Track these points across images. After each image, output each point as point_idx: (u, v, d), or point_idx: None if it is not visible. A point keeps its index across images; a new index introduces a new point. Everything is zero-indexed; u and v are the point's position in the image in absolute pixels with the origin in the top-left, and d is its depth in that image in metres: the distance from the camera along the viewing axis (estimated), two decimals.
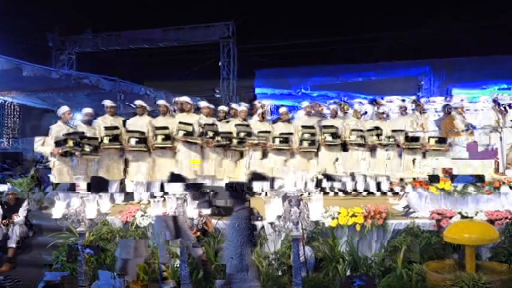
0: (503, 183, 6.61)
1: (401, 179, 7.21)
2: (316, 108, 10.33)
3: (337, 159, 9.36)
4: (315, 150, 9.38)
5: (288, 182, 4.93)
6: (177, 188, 5.35)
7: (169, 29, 20.37)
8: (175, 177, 5.58)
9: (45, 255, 7.16)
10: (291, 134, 9.36)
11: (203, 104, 9.65)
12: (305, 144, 9.27)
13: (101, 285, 5.06)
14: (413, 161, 8.73)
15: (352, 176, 9.36)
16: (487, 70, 18.30)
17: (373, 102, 13.08)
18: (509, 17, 17.95)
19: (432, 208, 6.49)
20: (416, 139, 9.23)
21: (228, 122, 9.48)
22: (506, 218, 6.11)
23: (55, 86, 13.80)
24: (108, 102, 9.25)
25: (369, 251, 6.24)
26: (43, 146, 8.52)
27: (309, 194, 5.16)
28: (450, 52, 19.20)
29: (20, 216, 7.78)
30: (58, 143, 8.17)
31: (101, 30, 21.12)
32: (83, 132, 8.46)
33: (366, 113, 11.20)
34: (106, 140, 8.65)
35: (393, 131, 9.35)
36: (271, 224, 5.04)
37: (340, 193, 9.29)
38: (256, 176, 5.99)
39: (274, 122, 10.21)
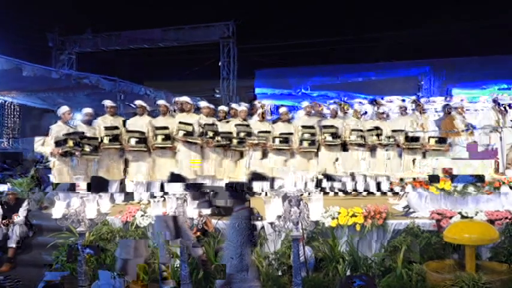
0: (503, 183, 6.61)
1: (401, 179, 7.21)
2: (316, 108, 10.33)
3: (337, 159, 9.36)
4: (315, 150, 9.38)
5: (288, 182, 4.93)
6: (177, 188, 5.35)
7: (169, 29, 20.37)
8: (175, 177, 5.58)
9: (45, 255, 7.16)
10: (291, 134, 9.36)
11: (203, 104, 9.65)
12: (305, 144, 9.27)
13: (101, 285, 5.06)
14: (413, 161, 8.73)
15: (352, 176, 9.36)
16: (487, 70, 18.30)
17: (373, 102, 13.09)
18: (509, 17, 17.96)
19: (432, 208, 6.49)
20: (416, 139, 9.23)
21: (228, 122, 9.48)
22: (506, 218, 6.11)
23: (55, 86, 13.80)
24: (108, 102, 9.25)
25: (369, 251, 6.24)
26: (43, 146, 8.52)
27: (309, 194, 5.16)
28: (450, 52, 19.21)
29: (20, 216, 7.78)
30: (58, 143, 8.17)
31: (101, 30, 21.13)
32: (83, 132, 8.46)
33: (366, 113, 11.20)
34: (106, 140, 8.65)
35: (393, 131, 9.35)
36: (271, 224, 5.04)
37: (340, 193, 9.29)
38: (256, 176, 5.98)
39: (274, 122, 10.21)
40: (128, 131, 8.82)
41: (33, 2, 19.74)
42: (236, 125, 9.30)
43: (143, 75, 19.68)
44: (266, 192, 7.77)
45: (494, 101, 10.10)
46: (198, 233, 6.08)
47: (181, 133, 8.81)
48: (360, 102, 13.17)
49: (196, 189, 5.38)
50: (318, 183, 8.42)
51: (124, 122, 9.14)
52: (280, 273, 6.11)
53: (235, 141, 9.13)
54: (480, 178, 6.32)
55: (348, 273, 5.86)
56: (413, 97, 13.18)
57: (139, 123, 9.01)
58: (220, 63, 19.96)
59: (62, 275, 5.83)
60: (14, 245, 7.56)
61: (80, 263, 5.52)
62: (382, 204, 6.53)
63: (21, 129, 19.64)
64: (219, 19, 19.92)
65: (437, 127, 9.65)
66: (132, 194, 8.48)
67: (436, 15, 19.81)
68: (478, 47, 18.67)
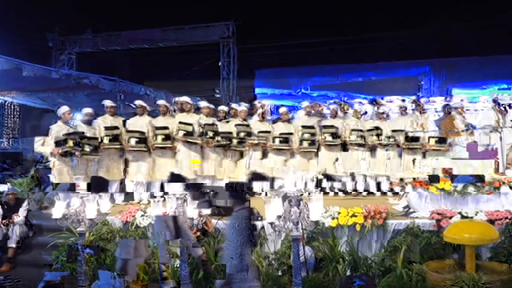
0: (503, 183, 6.61)
1: (401, 179, 7.21)
2: (316, 108, 10.33)
3: (337, 159, 9.36)
4: (315, 150, 9.38)
5: (288, 182, 4.93)
6: (177, 188, 5.35)
7: (169, 29, 20.37)
8: (175, 177, 5.58)
9: (45, 255, 7.16)
10: (291, 134, 9.36)
11: (203, 104, 9.65)
12: (305, 144, 9.27)
13: (101, 285, 5.06)
14: (413, 161, 8.72)
15: (352, 176, 9.36)
16: (487, 70, 18.29)
17: (373, 102, 13.09)
18: (509, 17, 17.95)
19: (432, 208, 6.49)
20: (416, 139, 9.23)
21: (228, 122, 9.48)
22: (506, 218, 6.11)
23: (55, 86, 13.80)
24: (108, 102, 9.25)
25: (369, 251, 6.24)
26: (43, 146, 8.52)
27: (309, 194, 5.16)
28: (450, 52, 19.20)
29: (20, 216, 7.78)
30: (58, 143, 8.17)
31: (101, 30, 21.12)
32: (83, 132, 8.46)
33: (366, 113, 11.21)
34: (106, 140, 8.65)
35: (393, 131, 9.35)
36: (271, 224, 5.03)
37: (340, 193, 9.29)
38: (256, 176, 5.98)
39: (274, 122, 10.21)
40: (128, 131, 8.82)
41: (33, 2, 19.74)
42: (236, 125, 9.30)
43: (143, 75, 19.68)
44: (266, 192, 7.76)
45: (494, 101, 10.10)
46: (198, 233, 6.09)
47: (181, 133, 8.81)
48: (360, 102, 13.17)
49: (196, 189, 5.38)
50: (318, 183, 8.42)
51: (124, 122, 9.14)
52: (280, 273, 6.11)
53: (235, 141, 9.13)
54: (480, 178, 6.32)
55: (348, 273, 5.86)
56: (413, 97, 13.17)
57: (139, 123, 9.01)
58: (220, 63, 19.96)
59: (62, 275, 5.83)
60: (14, 245, 7.56)
61: (80, 263, 5.52)
62: (382, 204, 6.53)
63: (21, 129, 19.64)
64: (219, 19, 19.92)
65: (437, 127, 9.65)
66: (132, 194, 8.47)
67: (436, 15, 19.81)
68: (478, 47, 18.67)
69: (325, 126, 9.42)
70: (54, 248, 6.95)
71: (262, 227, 6.29)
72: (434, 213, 6.27)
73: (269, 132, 9.39)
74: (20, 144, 17.91)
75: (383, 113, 9.91)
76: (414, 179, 6.95)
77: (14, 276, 6.20)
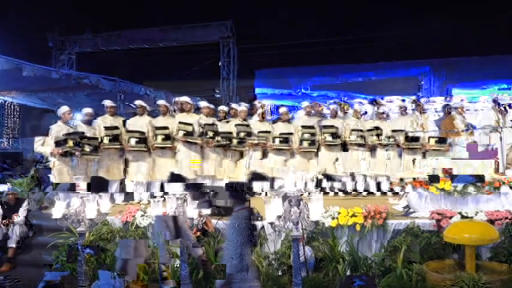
0: (503, 183, 6.61)
1: (401, 179, 7.21)
2: (316, 108, 10.33)
3: (337, 159, 9.36)
4: (315, 150, 9.38)
5: (288, 182, 4.93)
6: (177, 188, 5.35)
7: (169, 29, 20.37)
8: (175, 177, 5.58)
9: (45, 255, 7.16)
10: (291, 134, 9.36)
11: (203, 104, 9.65)
12: (305, 144, 9.27)
13: (100, 285, 5.06)
14: (413, 161, 8.72)
15: (352, 176, 9.36)
16: (487, 70, 18.28)
17: (373, 102, 13.09)
18: (509, 17, 17.95)
19: (432, 208, 6.49)
20: (416, 139, 9.23)
21: (228, 122, 9.49)
22: (506, 218, 6.11)
23: (55, 86, 13.80)
24: (108, 102, 9.26)
25: (368, 251, 6.24)
26: (43, 146, 8.52)
27: (309, 194, 5.16)
28: (450, 52, 19.20)
29: (20, 216, 7.78)
30: (58, 143, 8.17)
31: (101, 30, 21.12)
32: (83, 132, 8.46)
33: (366, 113, 11.21)
34: (106, 140, 8.65)
35: (393, 131, 9.35)
36: (271, 224, 5.03)
37: (340, 193, 9.29)
38: (256, 176, 5.98)
39: (274, 122, 10.22)
40: (128, 131, 8.82)
41: (33, 2, 19.74)
42: (236, 125, 9.31)
43: (143, 75, 19.68)
44: (266, 192, 7.75)
45: (494, 101, 10.10)
46: (198, 233, 6.09)
47: (181, 133, 8.81)
48: (360, 102, 13.17)
49: (196, 189, 5.38)
50: (318, 183, 8.42)
51: (124, 122, 9.14)
52: (280, 273, 6.11)
53: (235, 141, 9.13)
54: (480, 178, 6.32)
55: (348, 273, 5.86)
56: (413, 97, 13.17)
57: (139, 123, 9.01)
58: (220, 63, 19.97)
59: (62, 275, 5.83)
60: (14, 245, 7.56)
61: (80, 263, 5.52)
62: (382, 204, 6.53)
63: (21, 129, 19.64)
64: (219, 19, 19.92)
65: (438, 127, 9.65)
66: (132, 194, 8.47)
67: (436, 15, 19.80)
68: (478, 47, 18.66)
69: (325, 126, 9.42)
70: (54, 248, 6.96)
71: (262, 227, 6.29)
72: (434, 213, 6.27)
73: (269, 132, 9.39)
74: (20, 144, 17.91)
75: (383, 113, 9.91)
76: (414, 179, 6.95)
77: (14, 276, 6.20)
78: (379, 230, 6.25)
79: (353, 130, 9.36)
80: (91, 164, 8.53)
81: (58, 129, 8.42)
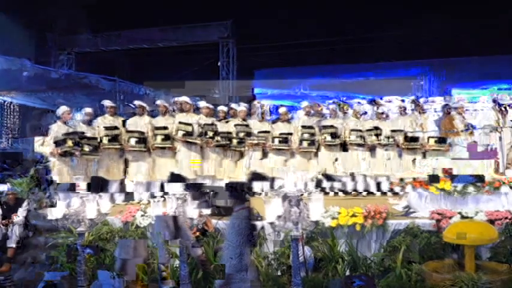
0: (503, 183, 6.61)
1: (401, 179, 7.21)
2: (315, 108, 10.33)
3: (337, 159, 9.36)
4: (315, 150, 9.37)
5: (288, 182, 4.93)
6: (177, 188, 5.35)
7: (169, 29, 20.38)
8: (175, 177, 5.59)
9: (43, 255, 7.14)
10: (290, 134, 9.35)
11: (203, 104, 9.63)
12: (305, 144, 9.27)
13: (100, 285, 5.06)
14: (413, 161, 8.73)
15: (352, 176, 9.35)
16: (487, 70, 18.31)
17: (372, 102, 13.08)
18: (509, 17, 17.95)
19: (432, 208, 6.49)
20: (415, 139, 9.23)
21: (227, 122, 9.48)
22: (506, 218, 6.11)
23: (55, 86, 13.82)
24: (108, 102, 9.26)
25: (368, 251, 6.23)
26: (43, 146, 8.51)
27: (309, 194, 5.16)
28: (450, 52, 19.21)
29: (19, 216, 7.77)
30: (57, 143, 8.16)
31: (100, 30, 21.11)
32: (83, 132, 8.46)
33: (365, 113, 11.19)
34: (105, 140, 8.64)
35: (392, 131, 9.34)
36: (271, 224, 5.03)
37: (340, 193, 9.27)
38: (256, 176, 5.98)
39: (273, 122, 10.21)
40: (128, 131, 8.82)
41: (33, 2, 19.71)
42: (235, 125, 9.30)
43: (143, 75, 19.68)
44: (266, 192, 7.75)
45: (494, 101, 10.12)
46: (197, 233, 6.08)
47: (180, 133, 8.80)
48: (359, 103, 13.17)
49: (196, 189, 5.38)
50: (318, 183, 8.40)
51: (124, 122, 9.14)
52: (279, 273, 6.10)
53: (235, 141, 9.13)
54: (480, 178, 6.32)
55: (347, 273, 5.85)
56: (412, 97, 13.17)
57: (139, 123, 9.01)
58: (219, 63, 19.96)
59: (62, 275, 5.83)
60: (13, 245, 7.55)
61: (80, 263, 5.52)
62: (382, 204, 6.52)
63: (21, 129, 19.64)
64: (219, 19, 19.92)
65: (437, 127, 9.65)
66: (132, 194, 8.45)
67: (436, 15, 19.80)
68: (478, 47, 18.67)
69: (324, 127, 9.42)
70: (54, 248, 6.94)
71: (262, 227, 6.28)
72: (434, 213, 6.26)
73: (268, 132, 9.38)
74: (20, 144, 17.91)
75: (382, 113, 9.91)
76: (414, 179, 6.95)
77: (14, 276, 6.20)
78: (379, 230, 6.24)
79: (352, 130, 9.36)
80: (91, 164, 8.53)
81: (57, 129, 8.42)
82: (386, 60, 20.19)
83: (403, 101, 13.71)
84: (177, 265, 5.42)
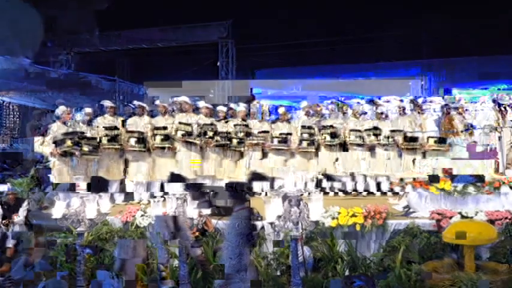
0: (503, 183, 6.61)
1: (401, 179, 7.21)
2: (315, 108, 10.32)
3: (337, 159, 9.35)
4: (314, 150, 9.37)
5: (288, 182, 4.93)
6: (177, 188, 5.35)
7: (168, 29, 20.38)
8: (175, 177, 5.59)
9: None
10: (290, 134, 9.35)
11: (202, 104, 9.63)
12: (304, 144, 9.27)
13: (100, 285, 5.06)
14: (413, 161, 8.72)
15: (352, 176, 9.35)
16: (487, 70, 18.31)
17: (371, 102, 13.07)
18: (509, 17, 17.95)
19: (432, 208, 6.49)
20: (415, 139, 9.22)
21: (227, 122, 9.48)
22: (506, 218, 6.11)
23: (55, 86, 13.82)
24: (107, 102, 9.26)
25: (367, 251, 6.23)
26: (42, 146, 8.51)
27: (309, 194, 5.16)
28: (450, 52, 19.21)
29: (19, 216, 7.77)
30: (57, 143, 8.16)
31: (100, 30, 21.10)
32: (82, 132, 8.46)
33: (365, 113, 11.19)
34: (105, 140, 8.64)
35: (392, 131, 9.34)
36: (271, 224, 5.03)
37: (340, 193, 9.28)
38: (256, 176, 6.00)
39: (273, 122, 10.21)
40: (128, 131, 8.82)
41: (33, 2, 19.71)
42: (235, 125, 9.31)
43: (143, 75, 19.68)
44: (266, 192, 7.75)
45: (494, 101, 10.13)
46: (197, 233, 6.08)
47: (179, 133, 8.80)
48: (358, 103, 13.15)
49: (196, 189, 5.39)
50: (318, 183, 8.41)
51: (123, 122, 9.13)
52: (278, 273, 6.10)
53: (234, 141, 9.13)
54: (480, 178, 6.32)
55: (347, 273, 5.85)
56: (411, 97, 13.17)
57: (139, 123, 9.00)
58: (218, 63, 19.97)
59: (61, 275, 5.83)
60: (11, 245, 7.53)
61: (79, 263, 5.52)
62: (382, 204, 6.53)
63: (21, 129, 19.64)
64: (218, 19, 19.91)
65: (437, 127, 9.65)
66: (132, 194, 8.46)
67: (436, 15, 19.81)
68: (478, 47, 18.67)
69: (324, 127, 9.42)
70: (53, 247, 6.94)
71: (262, 227, 6.28)
72: (434, 213, 6.26)
73: (268, 132, 9.38)
74: (20, 144, 17.91)
75: (382, 113, 9.89)
76: (414, 179, 6.95)
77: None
78: (379, 230, 6.24)
79: (352, 130, 9.36)
80: (91, 164, 8.52)
81: (57, 129, 8.42)
82: (386, 60, 20.20)
83: (401, 101, 13.71)
84: (177, 265, 5.43)
